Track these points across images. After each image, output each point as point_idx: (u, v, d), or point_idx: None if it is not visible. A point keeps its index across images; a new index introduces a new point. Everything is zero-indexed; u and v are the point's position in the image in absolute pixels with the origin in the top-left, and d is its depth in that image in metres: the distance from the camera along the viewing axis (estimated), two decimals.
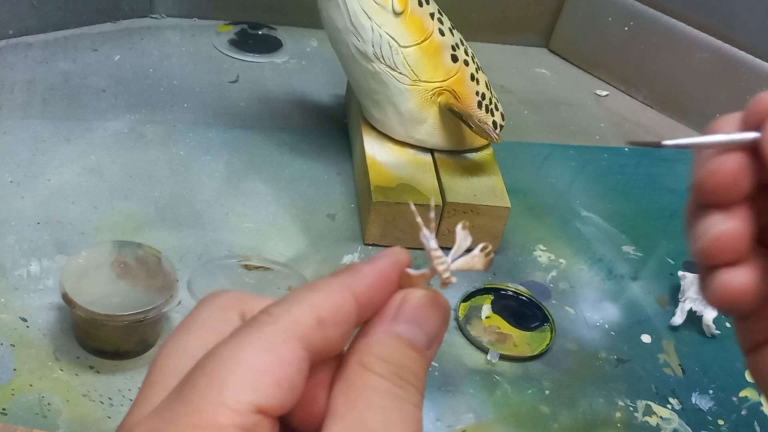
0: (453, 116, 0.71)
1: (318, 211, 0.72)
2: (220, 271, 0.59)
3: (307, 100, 0.87)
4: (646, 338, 0.67)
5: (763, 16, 0.90)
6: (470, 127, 0.69)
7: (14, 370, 0.53)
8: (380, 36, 0.68)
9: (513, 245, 0.73)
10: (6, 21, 0.85)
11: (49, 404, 0.52)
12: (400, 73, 0.69)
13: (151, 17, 0.95)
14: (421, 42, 0.69)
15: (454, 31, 0.73)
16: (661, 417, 0.60)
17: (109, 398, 0.53)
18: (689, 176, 0.29)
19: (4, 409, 0.51)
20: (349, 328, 0.26)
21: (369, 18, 0.67)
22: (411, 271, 0.28)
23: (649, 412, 0.60)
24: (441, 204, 0.68)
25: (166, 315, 0.58)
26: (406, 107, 0.71)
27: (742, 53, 0.91)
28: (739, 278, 0.29)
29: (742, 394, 0.63)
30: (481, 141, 0.75)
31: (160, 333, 0.57)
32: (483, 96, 0.73)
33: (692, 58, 0.95)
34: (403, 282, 0.28)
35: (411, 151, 0.73)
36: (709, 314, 0.67)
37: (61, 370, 0.54)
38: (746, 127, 0.29)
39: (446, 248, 0.27)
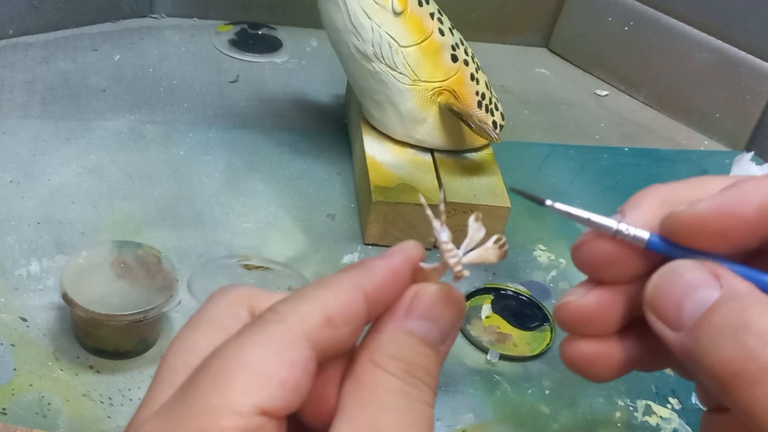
0: (453, 116, 0.71)
1: (318, 210, 0.72)
2: (220, 271, 0.59)
3: (307, 100, 0.87)
4: None
5: (763, 16, 0.90)
6: (470, 127, 0.69)
7: (14, 369, 0.53)
8: (380, 36, 0.68)
9: (513, 245, 0.73)
10: (6, 21, 0.85)
11: (49, 404, 0.52)
12: (400, 72, 0.69)
13: (151, 17, 0.95)
14: (421, 42, 0.69)
15: (454, 31, 0.73)
16: (661, 417, 0.60)
17: (109, 398, 0.53)
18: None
19: (4, 409, 0.51)
20: (358, 327, 0.26)
21: (369, 18, 0.67)
22: (424, 265, 0.27)
23: (649, 412, 0.60)
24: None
25: (166, 315, 0.58)
26: (406, 107, 0.71)
27: (742, 53, 0.91)
28: (587, 348, 0.29)
29: None
30: (481, 141, 0.75)
31: (160, 333, 0.57)
32: (483, 96, 0.73)
33: (692, 58, 0.95)
34: (416, 276, 0.27)
35: (411, 151, 0.73)
36: None
37: (61, 369, 0.54)
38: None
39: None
